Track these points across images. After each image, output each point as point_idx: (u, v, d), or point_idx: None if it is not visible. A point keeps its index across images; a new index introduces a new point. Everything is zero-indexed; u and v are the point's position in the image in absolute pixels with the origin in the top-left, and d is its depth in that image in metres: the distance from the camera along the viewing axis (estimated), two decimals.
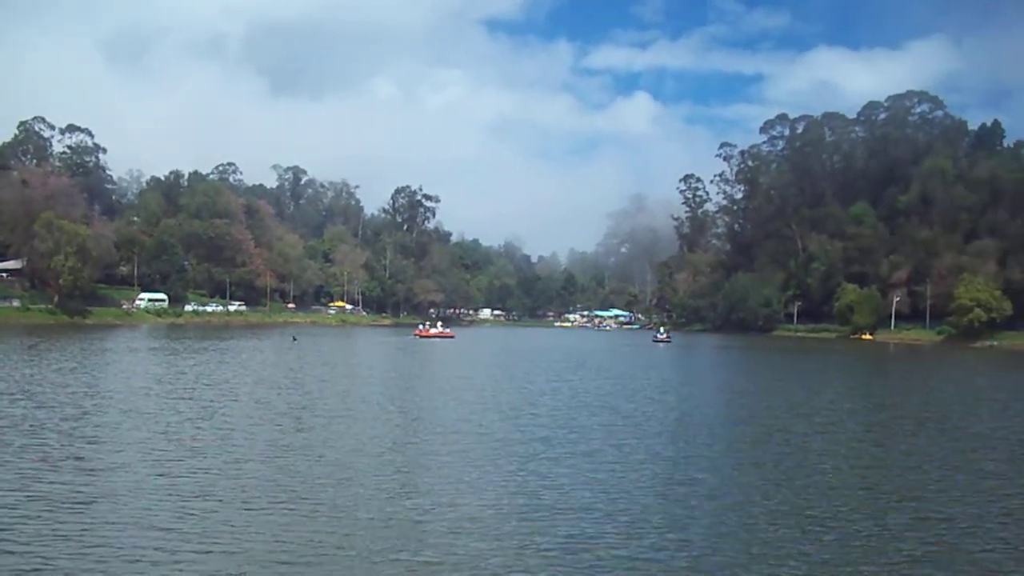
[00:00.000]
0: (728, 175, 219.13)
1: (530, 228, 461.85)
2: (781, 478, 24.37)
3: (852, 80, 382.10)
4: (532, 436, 30.54)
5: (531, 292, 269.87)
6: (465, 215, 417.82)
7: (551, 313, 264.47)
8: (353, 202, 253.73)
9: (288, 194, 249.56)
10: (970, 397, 50.12)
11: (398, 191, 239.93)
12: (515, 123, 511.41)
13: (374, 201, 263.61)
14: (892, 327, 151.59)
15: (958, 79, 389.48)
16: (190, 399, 38.24)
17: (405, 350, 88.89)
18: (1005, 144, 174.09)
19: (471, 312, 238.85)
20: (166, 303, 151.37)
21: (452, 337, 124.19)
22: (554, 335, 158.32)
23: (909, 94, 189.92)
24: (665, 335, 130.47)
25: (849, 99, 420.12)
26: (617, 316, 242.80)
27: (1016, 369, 79.43)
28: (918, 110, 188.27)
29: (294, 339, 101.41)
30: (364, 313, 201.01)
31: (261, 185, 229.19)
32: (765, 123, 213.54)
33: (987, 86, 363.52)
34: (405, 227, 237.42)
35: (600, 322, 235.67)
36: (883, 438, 33.27)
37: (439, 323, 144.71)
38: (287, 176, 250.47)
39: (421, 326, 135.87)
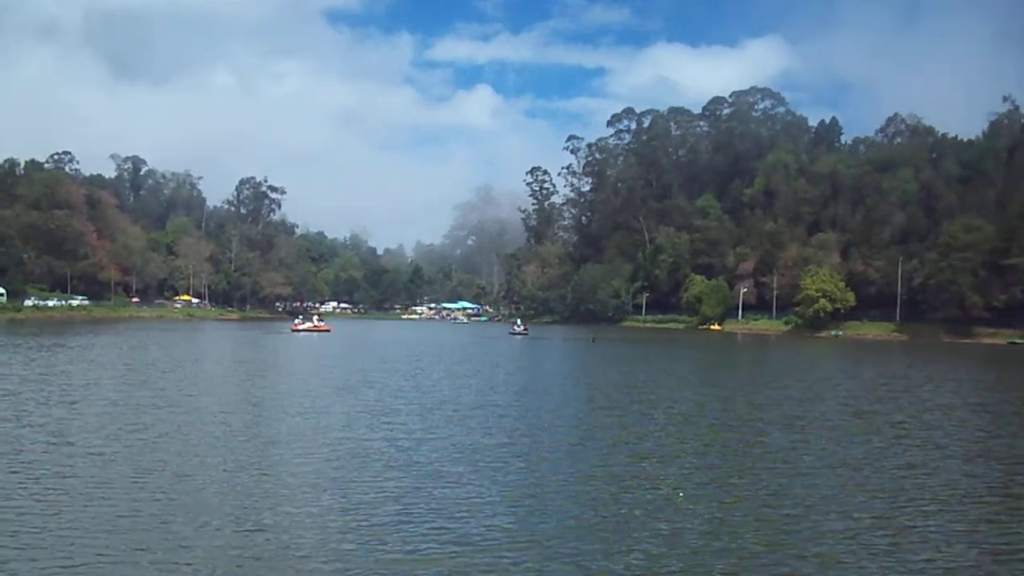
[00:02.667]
0: (575, 168, 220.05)
1: (376, 220, 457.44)
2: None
3: (692, 76, 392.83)
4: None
5: (378, 285, 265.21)
6: (310, 207, 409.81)
7: (398, 306, 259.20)
8: (196, 193, 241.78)
9: (127, 185, 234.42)
10: (884, 388, 48.53)
11: (243, 182, 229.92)
12: (359, 115, 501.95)
13: (217, 193, 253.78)
14: (740, 317, 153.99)
15: (793, 77, 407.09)
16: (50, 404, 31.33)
17: (298, 346, 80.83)
18: (843, 140, 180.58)
19: (316, 305, 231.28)
20: (4, 297, 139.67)
21: (329, 331, 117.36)
22: (411, 328, 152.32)
23: (752, 90, 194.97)
24: (523, 327, 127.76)
25: (689, 95, 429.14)
26: (465, 308, 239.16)
27: (882, 357, 79.99)
28: (761, 106, 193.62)
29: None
30: (210, 307, 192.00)
31: (99, 175, 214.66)
32: (612, 116, 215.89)
33: (820, 84, 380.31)
34: (250, 219, 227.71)
35: (448, 315, 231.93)
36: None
37: (315, 316, 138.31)
38: (126, 166, 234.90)
39: (297, 319, 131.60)
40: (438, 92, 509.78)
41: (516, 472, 21.20)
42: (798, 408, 35.58)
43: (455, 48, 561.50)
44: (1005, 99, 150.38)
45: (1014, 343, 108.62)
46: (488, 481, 20.05)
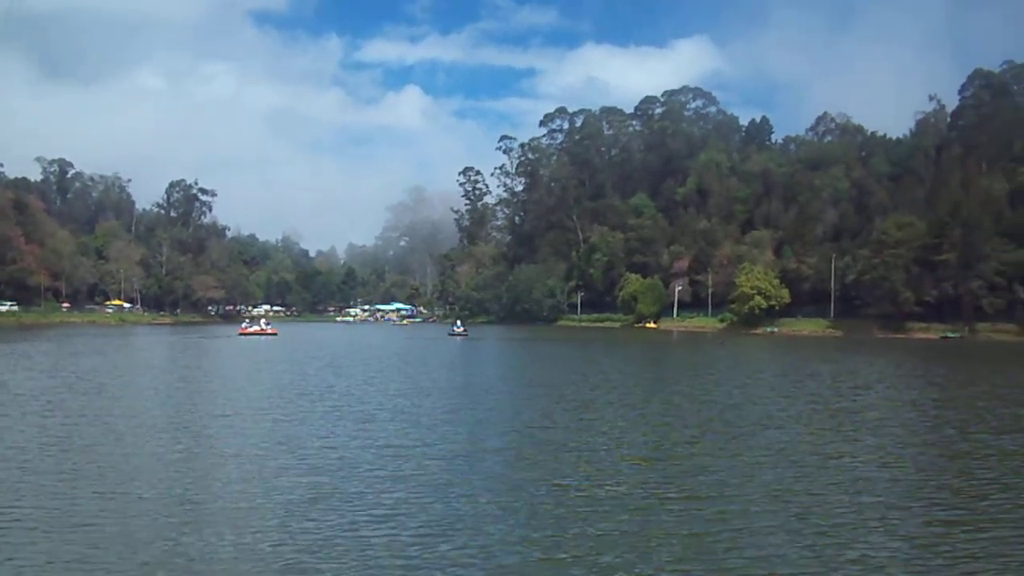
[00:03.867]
0: (508, 168, 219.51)
1: (307, 222, 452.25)
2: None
3: (621, 76, 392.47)
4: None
5: (311, 287, 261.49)
6: (241, 209, 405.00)
7: (331, 308, 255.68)
8: (125, 196, 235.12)
9: (54, 188, 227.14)
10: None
11: (172, 185, 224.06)
12: (288, 117, 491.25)
13: (147, 196, 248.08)
14: (675, 315, 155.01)
15: (722, 77, 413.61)
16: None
17: (250, 352, 77.43)
18: (774, 139, 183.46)
19: (249, 308, 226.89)
20: None
21: (276, 335, 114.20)
22: (348, 331, 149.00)
23: (684, 90, 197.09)
24: (463, 328, 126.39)
25: (619, 95, 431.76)
26: (399, 309, 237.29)
27: (825, 353, 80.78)
28: (692, 105, 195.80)
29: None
30: (143, 311, 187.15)
31: (25, 178, 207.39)
32: (544, 116, 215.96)
33: (750, 84, 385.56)
34: (181, 222, 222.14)
35: (383, 316, 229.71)
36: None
37: (262, 320, 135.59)
38: (52, 169, 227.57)
39: (244, 323, 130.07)
40: (367, 93, 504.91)
41: (515, 482, 20.17)
42: (773, 407, 35.18)
43: (384, 49, 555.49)
44: (931, 98, 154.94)
45: (946, 337, 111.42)
46: (492, 493, 18.99)
